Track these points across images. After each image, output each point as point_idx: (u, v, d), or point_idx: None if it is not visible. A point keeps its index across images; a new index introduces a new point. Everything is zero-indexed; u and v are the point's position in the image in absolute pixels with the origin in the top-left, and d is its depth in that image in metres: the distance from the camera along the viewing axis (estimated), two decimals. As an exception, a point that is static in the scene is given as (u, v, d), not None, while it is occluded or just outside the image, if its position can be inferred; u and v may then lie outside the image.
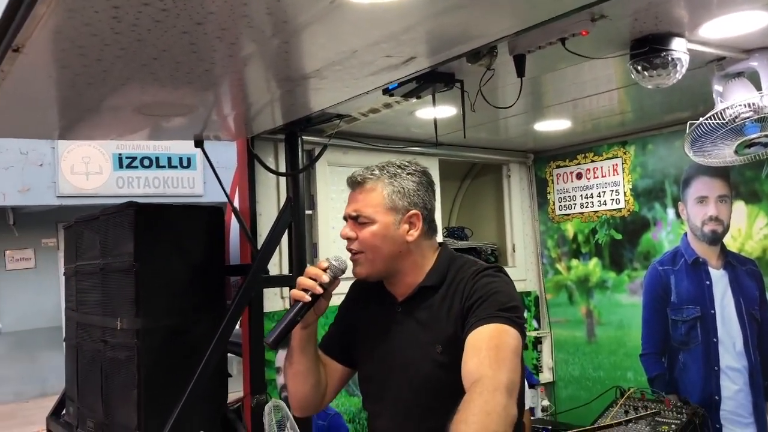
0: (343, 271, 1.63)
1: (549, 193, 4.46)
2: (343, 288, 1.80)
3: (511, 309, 1.52)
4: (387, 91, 2.48)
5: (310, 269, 1.61)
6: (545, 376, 4.42)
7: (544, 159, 4.49)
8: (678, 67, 2.12)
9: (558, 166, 4.40)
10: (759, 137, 2.36)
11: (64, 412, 3.92)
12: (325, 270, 1.60)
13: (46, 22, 1.42)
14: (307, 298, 1.57)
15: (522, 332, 1.52)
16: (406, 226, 1.64)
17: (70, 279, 3.77)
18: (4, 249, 10.17)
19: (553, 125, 3.73)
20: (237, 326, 3.34)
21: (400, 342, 1.65)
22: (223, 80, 2.13)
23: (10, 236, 10.09)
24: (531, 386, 4.14)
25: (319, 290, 1.57)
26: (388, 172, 1.66)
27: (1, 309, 10.14)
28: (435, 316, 1.61)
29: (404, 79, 2.27)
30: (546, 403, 4.26)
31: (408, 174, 1.67)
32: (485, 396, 1.30)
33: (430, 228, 1.70)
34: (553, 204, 4.43)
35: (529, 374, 4.16)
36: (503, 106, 2.34)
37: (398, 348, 1.65)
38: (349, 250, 1.67)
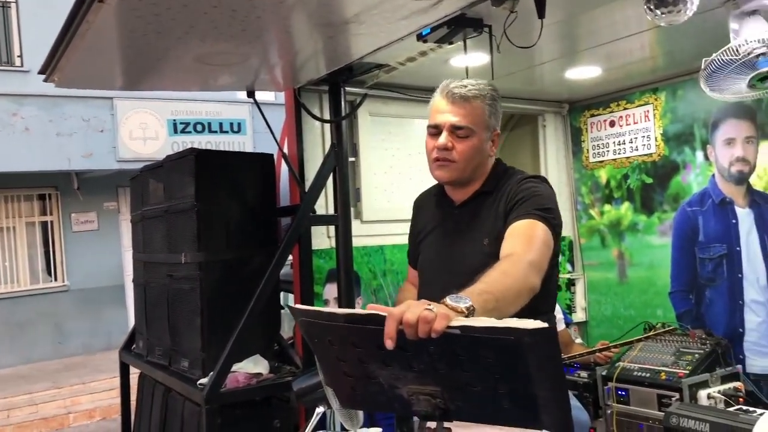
0: None
1: (583, 141, 4.61)
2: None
3: (547, 210, 1.73)
4: (420, 37, 2.69)
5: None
6: (578, 316, 4.62)
7: (579, 108, 4.63)
8: (689, 4, 2.27)
9: (592, 115, 4.54)
10: (771, 71, 2.48)
11: (134, 346, 4.32)
12: None
13: (128, -26, 1.70)
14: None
15: (555, 231, 1.73)
16: (490, 143, 1.86)
17: (137, 224, 4.14)
18: (70, 212, 10.82)
19: (585, 72, 3.85)
20: (288, 268, 3.65)
21: (453, 237, 1.89)
22: (272, 27, 2.39)
23: (75, 200, 10.74)
24: (566, 325, 4.36)
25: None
26: (488, 91, 1.82)
27: (68, 268, 10.81)
28: (485, 215, 1.83)
29: (435, 24, 2.49)
30: (579, 341, 4.47)
31: (498, 96, 1.87)
32: (508, 263, 1.53)
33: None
34: (587, 152, 4.58)
35: (563, 314, 4.37)
36: (528, 45, 2.52)
37: (452, 242, 1.89)
38: (439, 158, 1.82)
